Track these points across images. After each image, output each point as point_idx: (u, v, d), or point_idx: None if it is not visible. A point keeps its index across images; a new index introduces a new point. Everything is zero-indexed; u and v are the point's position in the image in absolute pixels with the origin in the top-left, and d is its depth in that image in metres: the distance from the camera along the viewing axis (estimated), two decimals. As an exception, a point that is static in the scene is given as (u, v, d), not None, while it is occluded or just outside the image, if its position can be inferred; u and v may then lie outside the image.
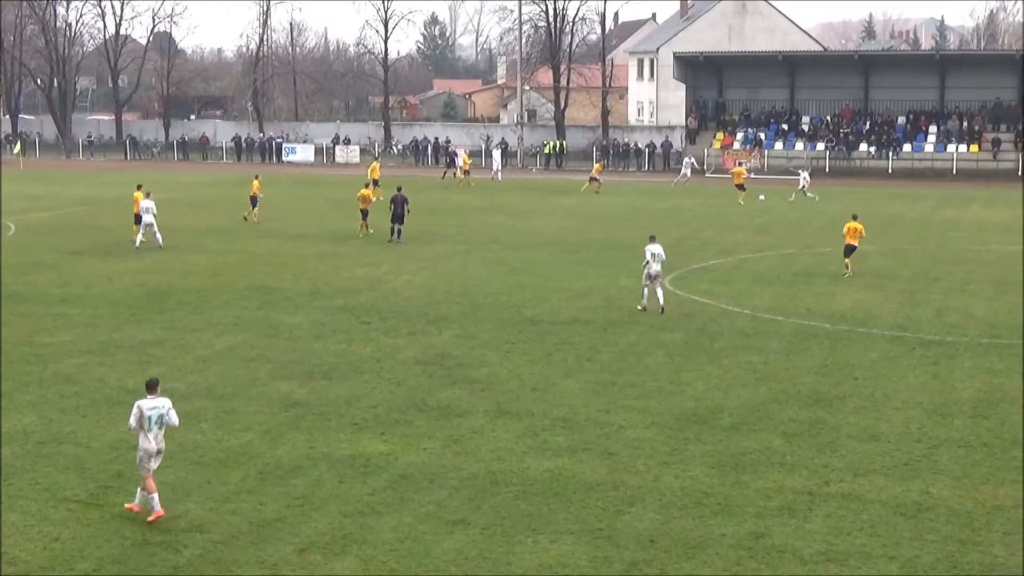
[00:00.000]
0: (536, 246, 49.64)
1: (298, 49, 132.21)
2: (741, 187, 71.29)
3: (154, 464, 19.12)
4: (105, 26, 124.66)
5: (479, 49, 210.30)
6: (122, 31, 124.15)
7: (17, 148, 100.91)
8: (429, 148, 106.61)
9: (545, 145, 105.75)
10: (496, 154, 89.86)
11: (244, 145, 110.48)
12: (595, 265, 44.13)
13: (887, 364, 29.27)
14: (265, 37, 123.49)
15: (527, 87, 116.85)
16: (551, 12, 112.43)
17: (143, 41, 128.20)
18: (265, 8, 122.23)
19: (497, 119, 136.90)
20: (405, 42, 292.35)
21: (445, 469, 21.31)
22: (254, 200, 58.02)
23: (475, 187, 79.75)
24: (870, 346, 31.23)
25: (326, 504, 19.57)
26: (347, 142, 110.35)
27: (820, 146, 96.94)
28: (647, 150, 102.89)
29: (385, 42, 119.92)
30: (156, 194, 52.96)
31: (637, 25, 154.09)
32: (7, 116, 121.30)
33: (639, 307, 35.68)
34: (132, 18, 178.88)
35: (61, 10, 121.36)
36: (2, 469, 21.09)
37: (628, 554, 17.68)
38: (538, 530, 18.51)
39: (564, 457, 21.97)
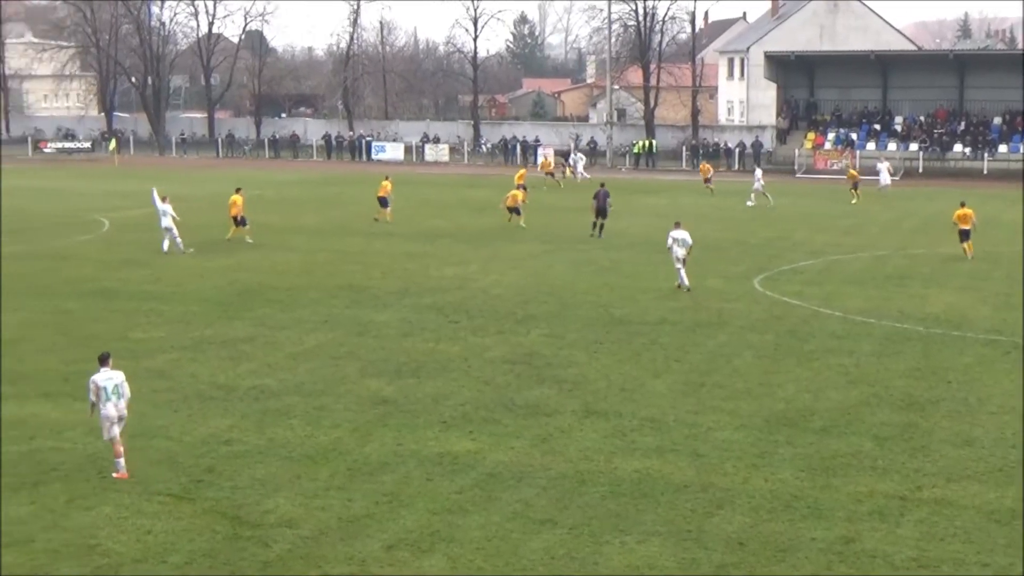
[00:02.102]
0: (624, 246, 49.49)
1: (388, 48, 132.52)
2: (855, 186, 69.84)
3: (116, 430, 20.70)
4: (198, 25, 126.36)
5: (568, 48, 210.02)
6: (214, 30, 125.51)
7: (112, 146, 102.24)
8: (518, 147, 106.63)
9: (634, 144, 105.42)
10: (577, 155, 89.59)
11: (334, 143, 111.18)
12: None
13: (981, 368, 28.84)
14: (355, 36, 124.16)
15: (616, 86, 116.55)
16: (641, 11, 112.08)
17: (235, 40, 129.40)
18: (356, 7, 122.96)
19: (586, 118, 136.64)
20: (495, 41, 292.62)
21: (533, 468, 21.30)
22: (383, 201, 58.04)
23: (563, 187, 79.66)
24: (964, 349, 30.80)
25: (414, 501, 19.64)
26: (436, 141, 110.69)
27: (913, 147, 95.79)
28: (737, 150, 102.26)
29: (475, 41, 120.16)
30: (247, 191, 53.49)
31: (727, 24, 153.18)
32: (102, 114, 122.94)
33: (685, 289, 38.34)
34: (224, 17, 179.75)
35: (155, 9, 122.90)
36: (96, 462, 21.38)
37: (716, 556, 17.58)
38: (625, 531, 18.45)
39: (652, 458, 21.89)
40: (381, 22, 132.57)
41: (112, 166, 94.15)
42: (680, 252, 38.10)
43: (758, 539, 18.17)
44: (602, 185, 53.81)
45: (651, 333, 32.41)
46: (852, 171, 74.06)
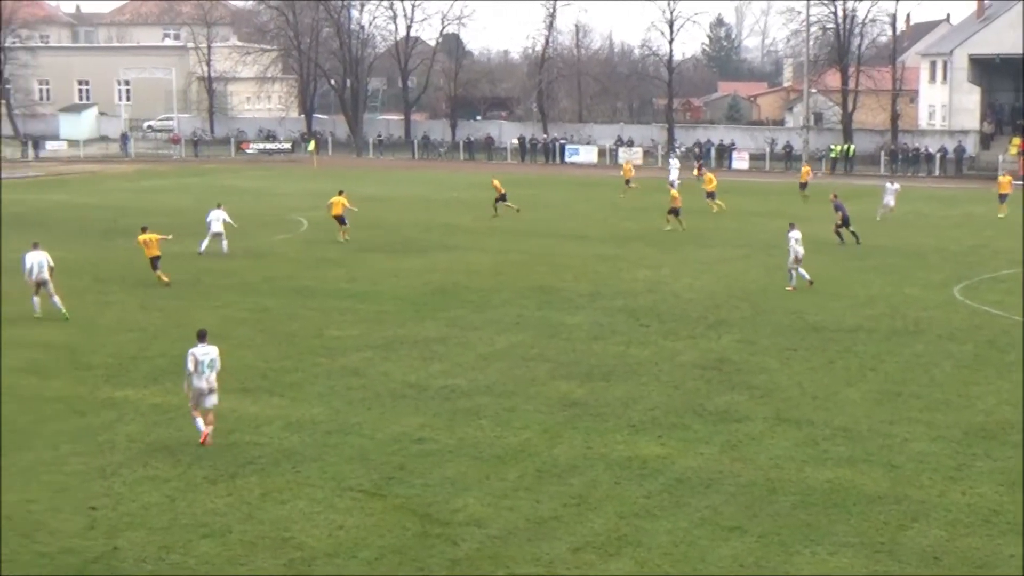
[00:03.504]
0: (818, 251, 48.64)
1: (583, 51, 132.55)
2: (1003, 197, 64.17)
3: (206, 402, 22.53)
4: (396, 28, 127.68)
5: (765, 51, 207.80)
6: (412, 33, 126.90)
7: (311, 146, 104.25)
8: (712, 151, 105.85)
9: (831, 149, 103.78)
10: (674, 161, 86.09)
11: (528, 146, 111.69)
12: (880, 273, 43.06)
13: None
14: (551, 39, 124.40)
15: (813, 90, 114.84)
16: (840, 13, 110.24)
17: (432, 43, 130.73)
18: (552, 10, 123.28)
19: (782, 122, 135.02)
20: (690, 44, 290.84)
21: (722, 475, 21.13)
22: (503, 197, 60.16)
23: (751, 191, 78.76)
24: None
25: (602, 505, 19.63)
26: (630, 144, 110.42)
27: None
28: (938, 155, 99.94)
29: (670, 44, 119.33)
30: (441, 193, 54.09)
31: (930, 26, 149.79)
32: (302, 116, 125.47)
33: (788, 288, 39.26)
34: (422, 20, 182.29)
35: (355, 13, 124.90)
36: (291, 457, 21.86)
37: (910, 570, 17.20)
38: (816, 541, 18.18)
39: (844, 468, 21.51)
40: (577, 25, 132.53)
41: (311, 167, 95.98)
42: (801, 252, 39.30)
43: (954, 554, 17.74)
44: (835, 196, 52.85)
45: (846, 341, 31.88)
46: (1005, 178, 67.13)
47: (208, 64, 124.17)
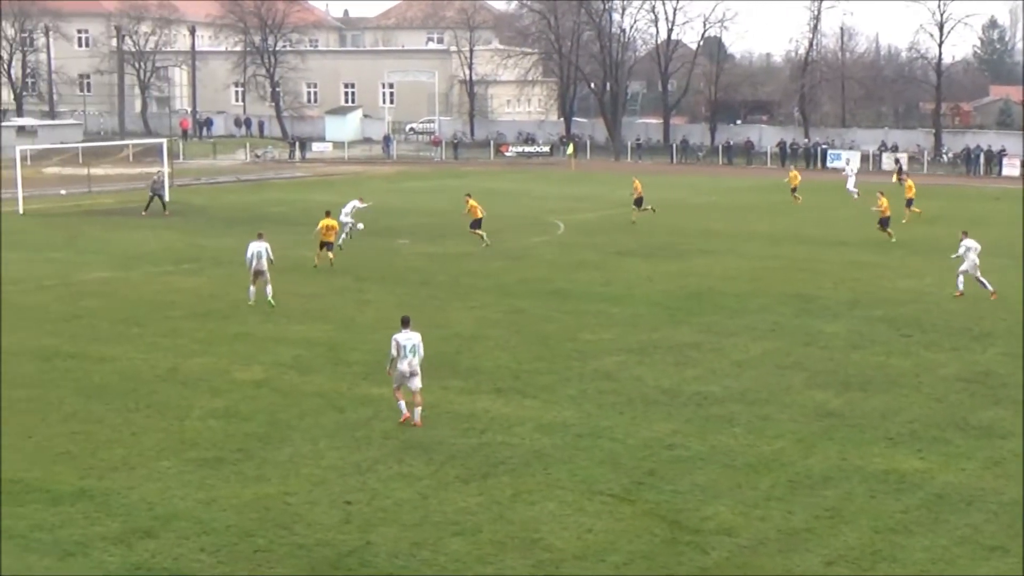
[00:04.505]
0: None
1: (847, 54, 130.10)
2: None
3: (411, 384, 23.82)
4: (657, 31, 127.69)
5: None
6: (673, 36, 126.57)
7: (570, 150, 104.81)
8: (981, 157, 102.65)
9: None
10: (850, 168, 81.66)
11: (788, 150, 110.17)
12: None
13: None
14: (815, 42, 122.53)
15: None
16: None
17: (693, 46, 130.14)
18: (816, 12, 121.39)
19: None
20: (961, 46, 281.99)
21: (984, 492, 20.41)
22: (639, 201, 60.21)
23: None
24: None
25: (856, 518, 19.17)
26: (894, 149, 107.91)
27: None
28: None
29: (939, 47, 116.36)
30: (698, 198, 53.66)
31: None
32: (561, 119, 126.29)
33: (955, 294, 38.83)
34: (683, 23, 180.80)
35: (616, 16, 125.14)
36: (542, 458, 21.98)
37: None
38: (1084, 565, 17.41)
39: (1117, 490, 20.54)
40: (842, 27, 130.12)
41: (569, 170, 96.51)
42: (977, 260, 38.94)
43: None
44: None
45: (1120, 356, 30.44)
46: None
47: (470, 67, 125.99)
